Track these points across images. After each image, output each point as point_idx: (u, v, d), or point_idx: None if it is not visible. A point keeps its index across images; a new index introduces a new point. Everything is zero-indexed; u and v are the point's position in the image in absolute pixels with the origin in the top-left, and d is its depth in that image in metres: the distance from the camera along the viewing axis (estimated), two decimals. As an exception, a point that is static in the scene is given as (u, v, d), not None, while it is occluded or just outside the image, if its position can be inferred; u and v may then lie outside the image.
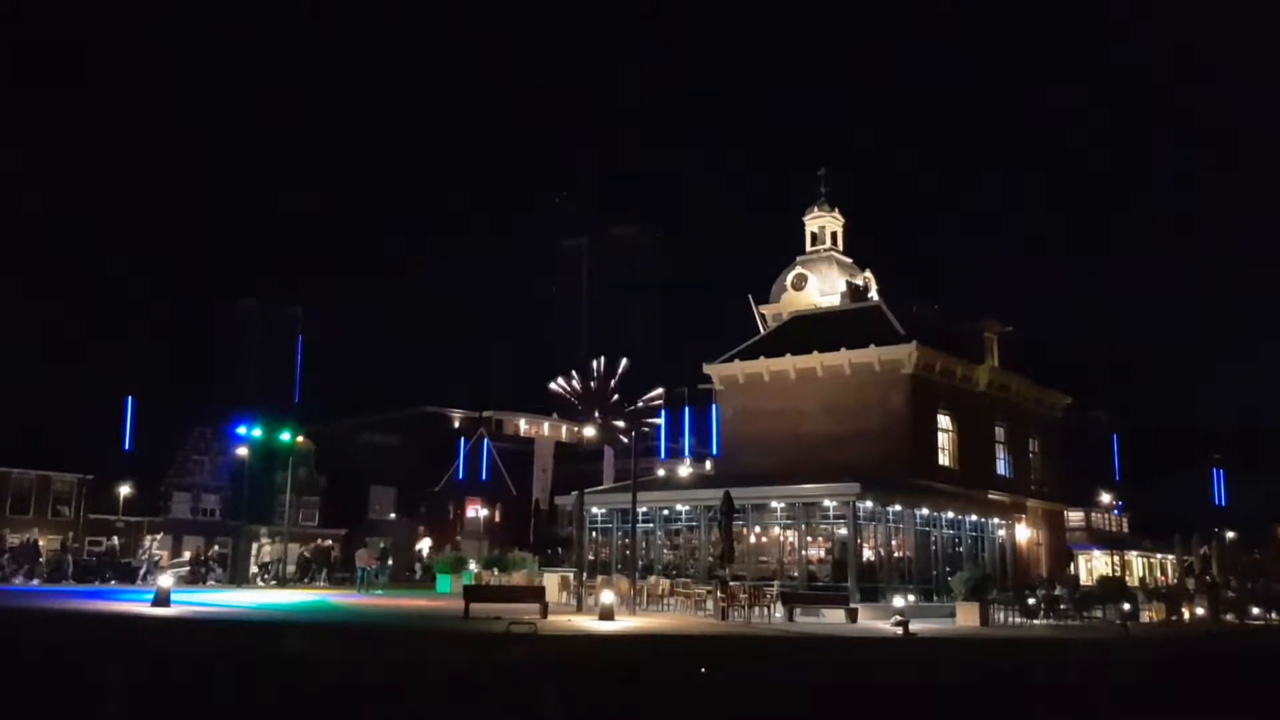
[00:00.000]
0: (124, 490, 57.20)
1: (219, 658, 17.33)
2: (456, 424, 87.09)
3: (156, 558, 47.91)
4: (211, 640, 20.96)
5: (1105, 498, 66.12)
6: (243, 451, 58.42)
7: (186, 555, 52.72)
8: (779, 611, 30.03)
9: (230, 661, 16.68)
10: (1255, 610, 40.28)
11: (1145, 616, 37.02)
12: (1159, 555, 61.00)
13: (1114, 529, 62.35)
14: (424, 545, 66.25)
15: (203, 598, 32.18)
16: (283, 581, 44.82)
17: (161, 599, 26.10)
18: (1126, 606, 33.41)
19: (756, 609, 30.07)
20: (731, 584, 30.26)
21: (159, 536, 57.12)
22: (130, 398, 54.93)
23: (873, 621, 29.40)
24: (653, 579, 34.52)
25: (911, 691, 16.34)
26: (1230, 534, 62.39)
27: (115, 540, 54.23)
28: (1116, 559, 57.69)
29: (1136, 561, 60.25)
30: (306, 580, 49.74)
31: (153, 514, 59.32)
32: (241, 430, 51.58)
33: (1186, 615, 38.36)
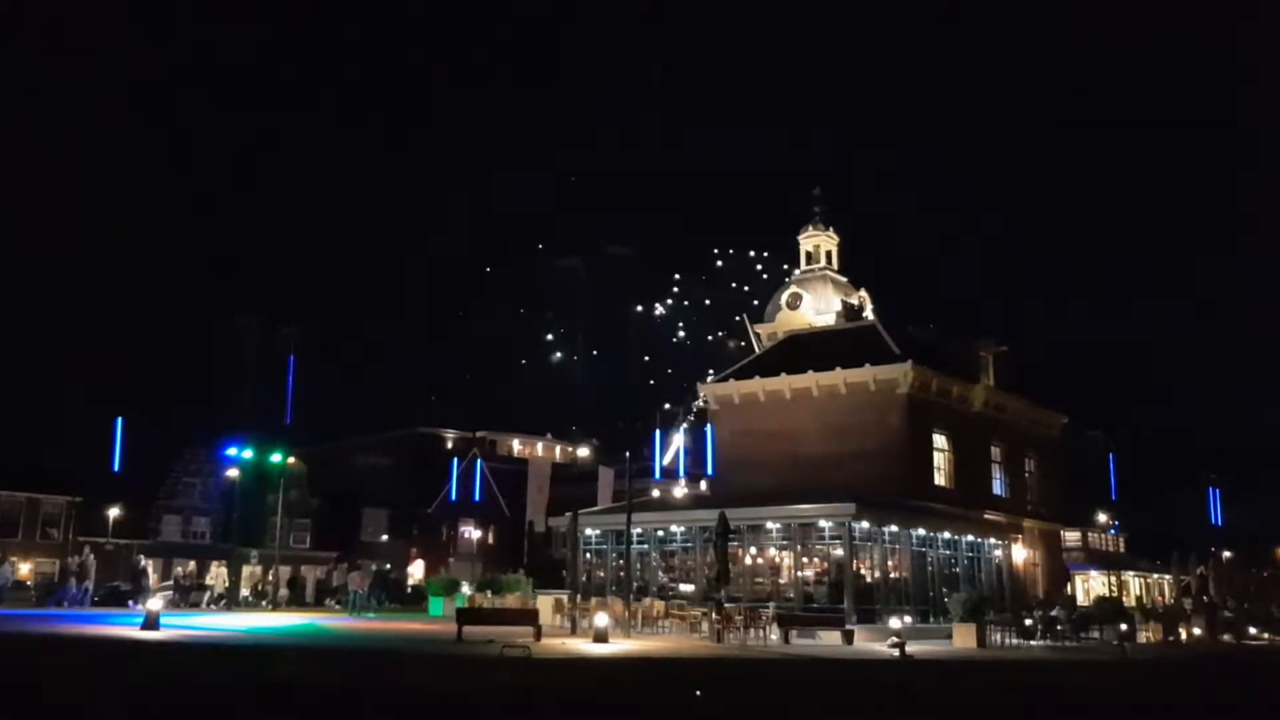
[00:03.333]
0: (113, 512, 56.78)
1: (208, 682, 17.04)
2: (450, 444, 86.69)
3: (211, 584, 47.79)
4: (201, 664, 20.65)
5: (1102, 518, 66.02)
6: (234, 473, 58.04)
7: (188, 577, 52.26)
8: (775, 633, 29.76)
9: (219, 686, 16.39)
10: (1253, 630, 40.11)
11: (1142, 637, 36.78)
12: (1156, 575, 60.89)
13: (1111, 549, 62.23)
14: (415, 568, 65.86)
15: (192, 621, 31.80)
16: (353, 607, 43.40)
17: (151, 622, 25.80)
18: (1124, 627, 33.19)
19: (752, 631, 29.82)
20: (727, 606, 30.01)
21: (223, 562, 56.46)
22: (120, 418, 54.52)
23: (869, 643, 29.15)
24: (647, 601, 34.27)
25: (911, 715, 16.11)
26: (1227, 554, 62.20)
27: (192, 565, 53.50)
28: (1113, 579, 57.53)
29: (1133, 582, 60.10)
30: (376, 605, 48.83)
31: (143, 536, 58.82)
32: (232, 452, 51.16)
33: (1184, 636, 38.13)
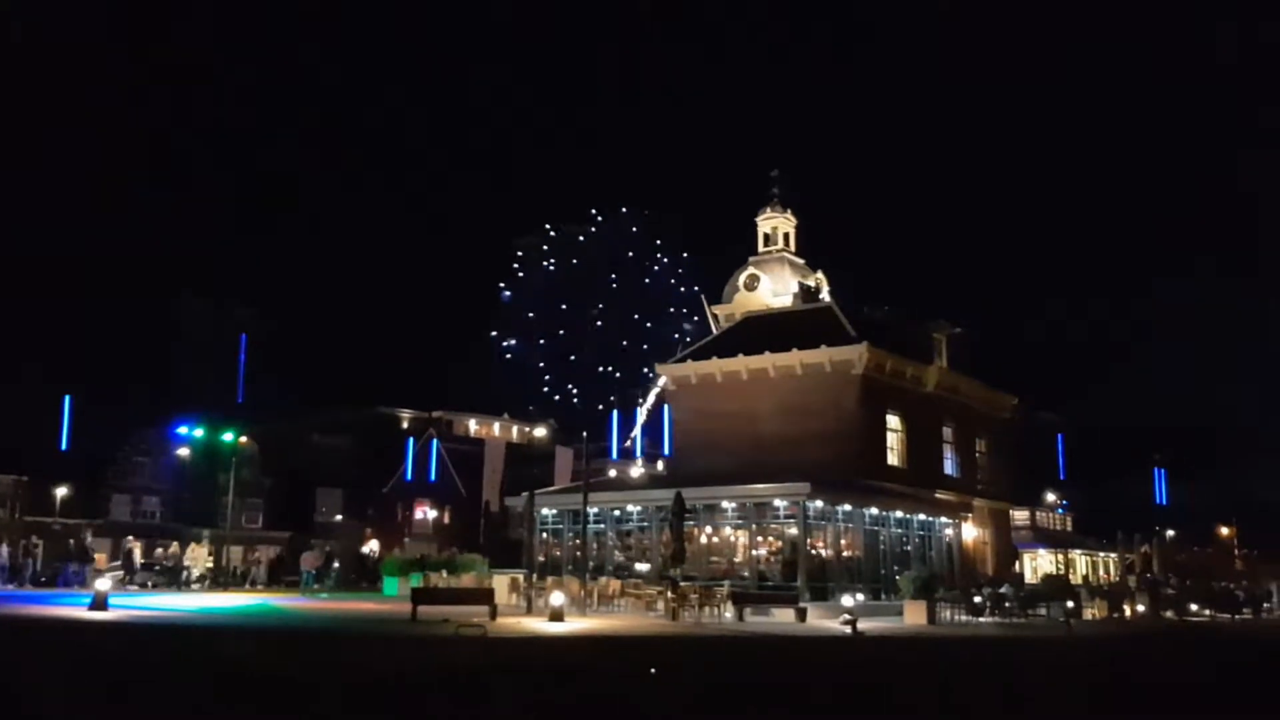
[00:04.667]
0: (61, 492, 55.91)
1: (153, 664, 16.87)
2: (405, 424, 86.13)
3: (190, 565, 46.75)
4: (147, 645, 20.44)
5: (1050, 497, 67.20)
6: (184, 452, 57.34)
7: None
8: (729, 612, 30.02)
9: (163, 668, 16.23)
10: (1194, 607, 41.12)
11: (1088, 614, 37.55)
12: (1102, 554, 62.08)
13: (1059, 528, 63.37)
14: (370, 548, 65.54)
15: (141, 601, 31.46)
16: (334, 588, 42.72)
17: (99, 602, 25.51)
18: (1070, 604, 33.88)
19: (707, 609, 30.05)
20: (682, 584, 30.21)
21: (204, 543, 55.32)
22: (68, 396, 53.64)
23: (822, 621, 29.49)
24: (604, 580, 34.39)
25: (858, 689, 16.33)
26: (1170, 533, 63.69)
27: (175, 546, 52.23)
28: (1061, 557, 58.60)
29: (1080, 560, 61.24)
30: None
31: (92, 516, 58.00)
32: (183, 431, 50.53)
33: (1128, 612, 38.99)
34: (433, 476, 72.92)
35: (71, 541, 49.35)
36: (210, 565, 46.85)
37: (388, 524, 71.23)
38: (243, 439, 51.01)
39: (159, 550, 53.06)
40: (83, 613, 24.86)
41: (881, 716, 14.04)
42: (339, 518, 69.23)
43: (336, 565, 49.07)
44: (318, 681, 14.96)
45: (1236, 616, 39.69)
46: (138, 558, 46.44)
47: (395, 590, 40.54)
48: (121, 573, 42.51)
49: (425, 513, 73.52)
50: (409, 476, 72.38)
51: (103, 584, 27.25)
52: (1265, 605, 43.15)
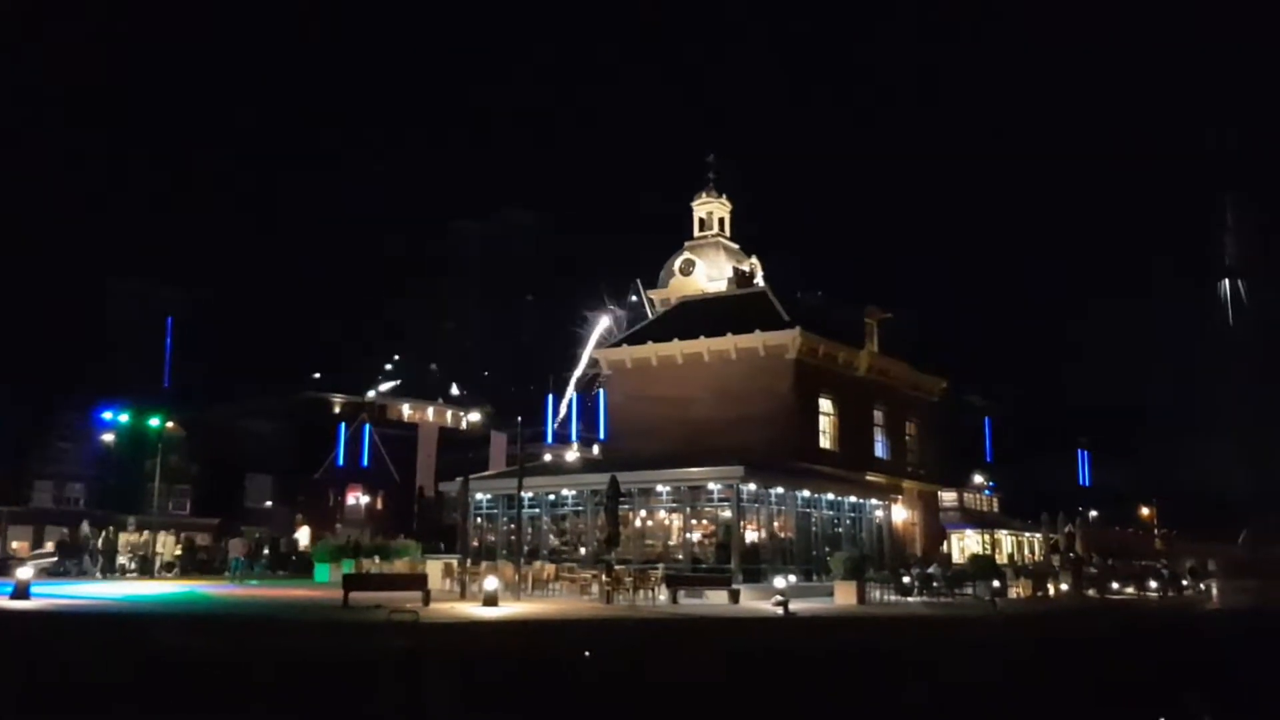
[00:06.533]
0: (-21, 478, 54.34)
1: (78, 654, 16.52)
2: (337, 409, 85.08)
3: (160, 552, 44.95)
4: (73, 635, 19.99)
5: (978, 478, 68.54)
6: (109, 438, 56.04)
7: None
8: (663, 594, 30.21)
9: (87, 659, 15.91)
10: (1115, 585, 42.34)
11: (1013, 593, 38.42)
12: (1027, 534, 63.42)
13: (986, 509, 64.51)
14: (301, 534, 64.67)
15: (66, 589, 30.70)
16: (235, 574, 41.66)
17: (20, 591, 24.85)
18: (996, 584, 34.65)
19: (641, 592, 30.20)
20: (617, 568, 30.32)
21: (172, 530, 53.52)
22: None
23: (754, 602, 29.82)
24: (538, 564, 34.35)
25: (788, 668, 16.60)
26: (1093, 513, 65.45)
27: (147, 533, 49.87)
28: (987, 538, 59.68)
29: (1006, 540, 62.43)
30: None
31: (13, 503, 56.46)
32: (108, 416, 49.30)
33: (1052, 591, 39.99)
34: (365, 462, 72.28)
35: (65, 531, 47.74)
36: (179, 552, 45.24)
37: (319, 510, 70.37)
38: (169, 424, 49.89)
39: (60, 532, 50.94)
40: (3, 602, 24.22)
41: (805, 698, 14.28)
42: (269, 504, 68.21)
43: (267, 551, 48.21)
44: (250, 668, 14.79)
45: (1159, 594, 41.01)
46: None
47: (326, 576, 40.03)
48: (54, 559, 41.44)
49: (358, 498, 72.76)
50: (341, 462, 71.61)
51: (24, 572, 26.53)
52: (1184, 583, 44.60)
